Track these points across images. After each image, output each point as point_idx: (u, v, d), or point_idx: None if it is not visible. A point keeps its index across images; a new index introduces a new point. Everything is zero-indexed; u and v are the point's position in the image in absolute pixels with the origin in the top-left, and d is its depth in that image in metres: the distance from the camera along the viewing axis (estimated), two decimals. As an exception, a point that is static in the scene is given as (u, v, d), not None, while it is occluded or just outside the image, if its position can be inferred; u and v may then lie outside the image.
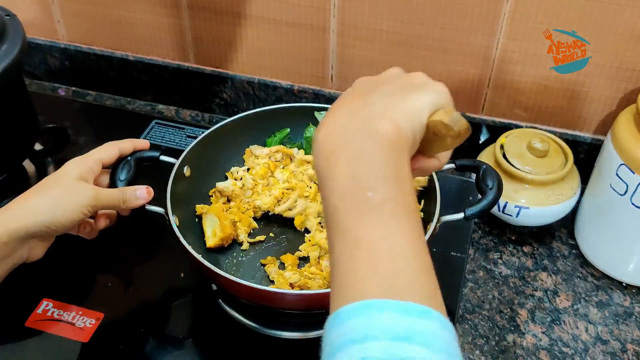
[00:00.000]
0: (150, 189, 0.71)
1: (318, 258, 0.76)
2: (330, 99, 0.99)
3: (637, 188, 0.73)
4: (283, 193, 0.81)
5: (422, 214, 0.76)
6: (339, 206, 0.43)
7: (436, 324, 0.38)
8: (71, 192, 0.64)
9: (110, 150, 0.71)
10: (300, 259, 0.77)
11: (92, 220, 0.70)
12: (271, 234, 0.81)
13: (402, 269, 0.41)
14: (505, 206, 0.83)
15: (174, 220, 0.69)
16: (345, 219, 0.42)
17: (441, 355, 0.37)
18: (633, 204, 0.74)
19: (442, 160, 0.52)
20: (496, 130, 0.92)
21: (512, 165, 0.83)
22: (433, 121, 0.46)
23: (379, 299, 0.38)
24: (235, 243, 0.79)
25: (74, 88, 1.14)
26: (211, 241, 0.76)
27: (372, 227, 0.42)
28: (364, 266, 0.40)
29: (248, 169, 0.85)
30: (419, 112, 0.47)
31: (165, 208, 0.70)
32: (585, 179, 0.85)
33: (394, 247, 0.41)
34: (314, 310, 0.68)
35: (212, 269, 0.65)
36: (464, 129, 0.45)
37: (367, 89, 0.51)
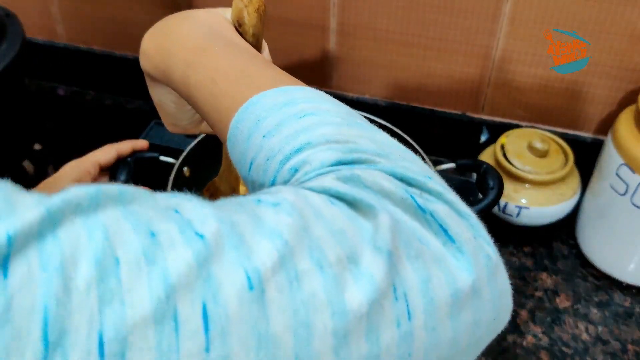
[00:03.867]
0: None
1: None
2: (330, 99, 0.99)
3: (637, 188, 0.73)
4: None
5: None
6: (188, 73, 0.45)
7: (311, 91, 0.40)
8: None
9: (108, 153, 0.71)
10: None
11: None
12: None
13: (261, 74, 0.42)
14: (505, 206, 0.83)
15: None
16: (197, 76, 0.44)
17: (328, 104, 0.38)
18: (633, 204, 0.74)
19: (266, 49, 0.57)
20: (496, 130, 0.92)
21: (513, 165, 0.83)
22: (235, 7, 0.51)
23: (252, 97, 0.39)
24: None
25: (73, 88, 1.14)
26: None
27: (220, 64, 0.44)
28: (228, 90, 0.41)
29: None
30: (221, 9, 0.51)
31: (165, 208, 0.70)
32: (585, 179, 0.85)
33: (245, 67, 0.43)
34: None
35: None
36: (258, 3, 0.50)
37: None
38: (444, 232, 0.31)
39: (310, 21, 0.92)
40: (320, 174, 0.33)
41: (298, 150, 0.34)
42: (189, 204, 0.29)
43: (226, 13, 0.51)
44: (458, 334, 0.30)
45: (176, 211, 0.28)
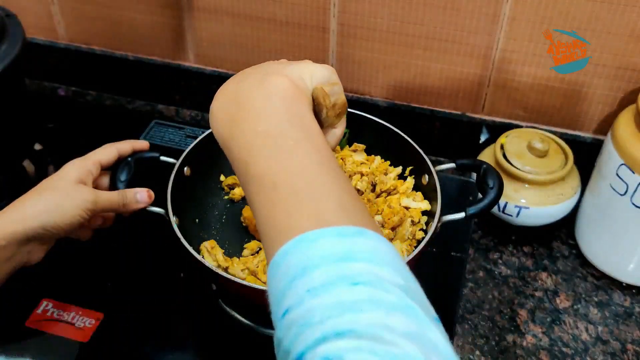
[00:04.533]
0: (151, 192, 0.70)
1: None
2: (330, 99, 0.99)
3: (637, 188, 0.73)
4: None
5: (425, 217, 0.76)
6: (249, 161, 0.42)
7: (374, 241, 0.37)
8: (70, 195, 0.64)
9: (108, 152, 0.71)
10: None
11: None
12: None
13: (325, 198, 0.39)
14: (505, 206, 0.83)
15: (174, 221, 0.69)
16: (257, 169, 0.41)
17: (386, 269, 0.35)
18: (633, 204, 0.74)
19: (337, 134, 0.53)
20: (496, 130, 0.92)
21: (512, 165, 0.83)
22: (316, 88, 0.48)
23: (310, 231, 0.36)
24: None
25: (74, 88, 1.14)
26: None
27: (286, 166, 0.40)
28: (287, 204, 0.39)
29: None
30: (309, 73, 0.48)
31: (166, 209, 0.70)
32: (585, 179, 0.85)
33: (312, 180, 0.40)
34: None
35: (212, 269, 0.65)
36: (339, 101, 0.48)
37: (253, 68, 0.51)
38: None
39: (311, 22, 0.92)
40: None
41: (338, 335, 0.32)
42: None
43: (308, 72, 0.47)
44: None
45: None
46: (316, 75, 0.49)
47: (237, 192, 0.84)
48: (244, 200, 0.84)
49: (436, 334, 0.34)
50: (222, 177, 0.86)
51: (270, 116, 0.43)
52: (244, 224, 0.81)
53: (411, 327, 0.33)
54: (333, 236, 0.36)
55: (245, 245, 0.78)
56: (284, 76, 0.46)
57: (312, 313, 0.33)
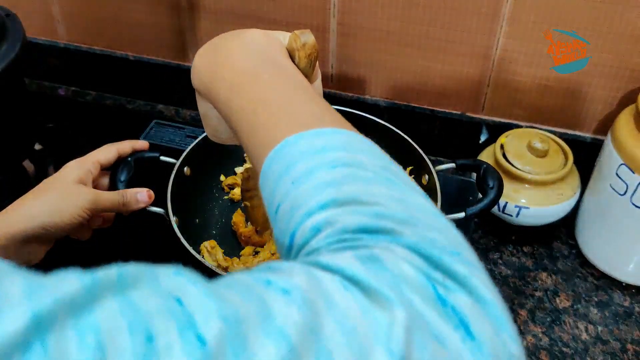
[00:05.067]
0: (151, 193, 0.70)
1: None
2: (331, 99, 0.99)
3: (637, 188, 0.73)
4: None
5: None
6: (231, 97, 0.45)
7: (351, 137, 0.39)
8: (70, 195, 0.64)
9: (108, 152, 0.71)
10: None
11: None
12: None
13: (302, 111, 0.41)
14: (505, 206, 0.83)
15: (174, 221, 0.69)
16: (238, 102, 0.44)
17: (364, 155, 0.37)
18: (633, 204, 0.74)
19: (317, 86, 0.55)
20: (496, 130, 0.92)
21: (512, 165, 0.83)
22: (289, 35, 0.52)
23: (289, 137, 0.38)
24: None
25: (73, 88, 1.14)
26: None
27: (263, 94, 0.43)
28: (267, 123, 0.41)
29: None
30: (282, 34, 0.51)
31: (166, 209, 0.70)
32: (585, 179, 0.85)
33: (289, 100, 0.42)
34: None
35: (213, 269, 0.65)
36: (309, 41, 0.51)
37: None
38: (464, 327, 0.28)
39: (311, 22, 0.92)
40: (342, 240, 0.31)
41: (323, 207, 0.33)
42: (194, 290, 0.27)
43: (284, 37, 0.51)
44: None
45: (179, 301, 0.26)
46: (287, 34, 0.52)
47: (237, 192, 0.84)
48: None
49: (418, 197, 0.35)
50: (222, 177, 0.86)
51: (247, 58, 0.47)
52: (233, 228, 0.81)
53: (391, 192, 0.34)
54: (311, 136, 0.38)
55: (240, 253, 0.78)
56: (259, 30, 0.50)
57: (298, 199, 0.35)
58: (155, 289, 0.26)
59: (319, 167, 0.35)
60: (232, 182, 0.85)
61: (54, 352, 0.23)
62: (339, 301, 0.28)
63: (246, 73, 0.45)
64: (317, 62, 0.53)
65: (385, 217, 0.32)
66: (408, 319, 0.28)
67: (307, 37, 0.51)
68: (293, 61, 0.50)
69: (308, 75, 0.52)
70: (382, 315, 0.27)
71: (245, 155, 0.86)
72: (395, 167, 0.38)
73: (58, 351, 0.23)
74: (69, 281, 0.25)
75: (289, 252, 0.35)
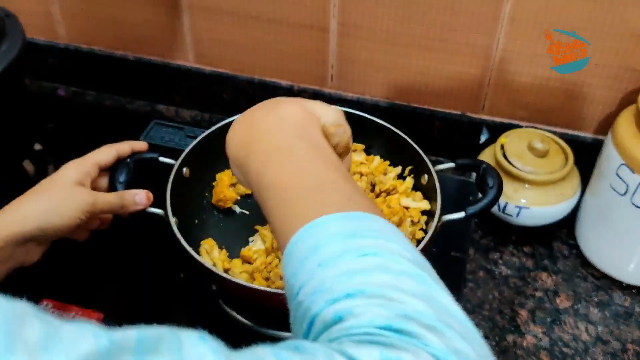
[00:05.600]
0: (150, 194, 0.70)
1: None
2: (330, 99, 0.99)
3: (637, 188, 0.73)
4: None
5: (425, 217, 0.76)
6: (263, 172, 0.45)
7: (380, 223, 0.38)
8: (68, 197, 0.64)
9: (107, 153, 0.71)
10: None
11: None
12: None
13: (333, 192, 0.41)
14: (505, 206, 0.83)
15: (173, 221, 0.69)
16: (270, 177, 0.44)
17: (393, 244, 0.37)
18: (633, 204, 0.74)
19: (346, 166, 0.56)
20: (496, 130, 0.92)
21: (513, 165, 0.83)
22: (324, 126, 0.51)
23: (319, 218, 0.38)
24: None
25: (73, 88, 1.14)
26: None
27: (295, 171, 0.43)
28: (297, 201, 0.41)
29: None
30: (319, 110, 0.51)
31: (165, 209, 0.70)
32: (585, 179, 0.85)
33: (320, 180, 0.42)
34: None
35: (212, 269, 0.65)
36: (342, 143, 0.52)
37: (266, 101, 0.54)
38: None
39: (311, 22, 0.92)
40: (367, 334, 0.31)
41: (349, 296, 0.33)
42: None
43: (322, 110, 0.50)
44: None
45: None
46: (325, 114, 0.51)
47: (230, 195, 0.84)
48: (242, 199, 0.84)
49: (446, 297, 0.35)
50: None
51: (282, 133, 0.47)
52: (212, 202, 0.82)
53: (420, 289, 0.34)
54: (340, 219, 0.38)
55: (241, 253, 0.78)
56: (296, 103, 0.50)
57: (323, 283, 0.34)
58: (177, 358, 0.26)
59: (347, 252, 0.35)
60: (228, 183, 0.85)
61: None
62: None
63: (281, 149, 0.45)
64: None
65: (413, 319, 0.32)
66: None
67: (341, 138, 0.51)
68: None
69: (342, 155, 0.52)
70: None
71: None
72: (423, 260, 0.38)
73: None
74: (86, 339, 0.24)
75: (308, 333, 0.35)
